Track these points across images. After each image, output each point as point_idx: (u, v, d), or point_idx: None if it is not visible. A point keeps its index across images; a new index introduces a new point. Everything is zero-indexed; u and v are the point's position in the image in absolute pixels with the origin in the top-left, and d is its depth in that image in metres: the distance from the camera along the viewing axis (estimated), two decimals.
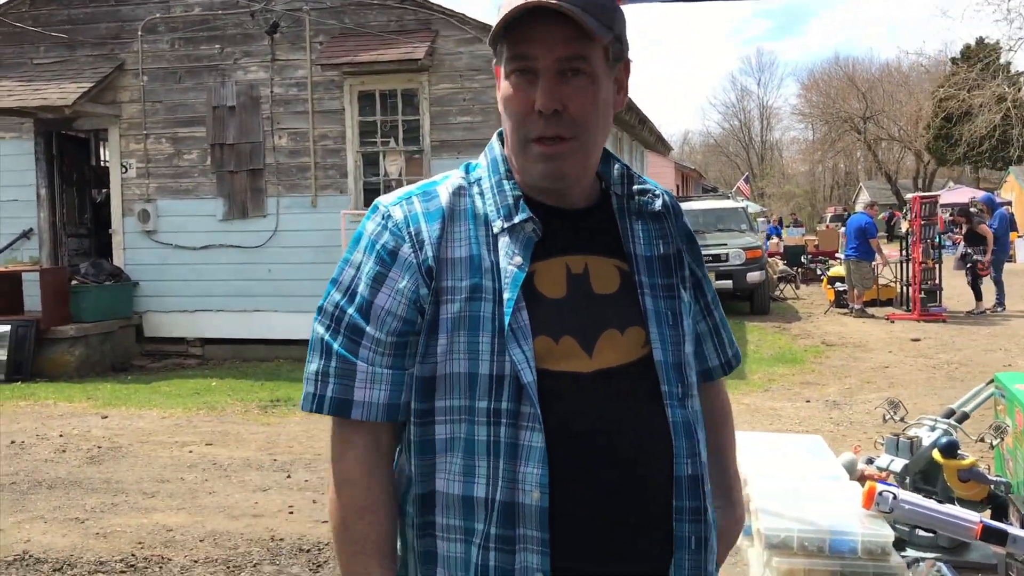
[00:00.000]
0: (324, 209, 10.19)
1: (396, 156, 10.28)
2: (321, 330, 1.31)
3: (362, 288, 1.29)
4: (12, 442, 6.68)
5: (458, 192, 1.33)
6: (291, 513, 4.96)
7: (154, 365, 10.35)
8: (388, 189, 10.37)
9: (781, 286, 17.07)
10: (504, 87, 1.29)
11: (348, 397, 1.28)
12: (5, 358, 9.44)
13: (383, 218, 1.31)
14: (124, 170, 10.71)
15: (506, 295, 1.24)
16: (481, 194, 1.33)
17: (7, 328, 9.56)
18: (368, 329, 1.28)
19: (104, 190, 11.55)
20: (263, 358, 10.29)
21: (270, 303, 10.34)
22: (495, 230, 1.29)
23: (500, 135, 1.38)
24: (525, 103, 1.26)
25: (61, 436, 6.86)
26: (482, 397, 1.23)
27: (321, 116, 10.26)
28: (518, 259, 1.26)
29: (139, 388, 8.86)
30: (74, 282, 10.06)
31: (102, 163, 12.22)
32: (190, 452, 6.34)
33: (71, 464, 6.07)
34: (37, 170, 10.78)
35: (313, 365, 1.31)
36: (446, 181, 1.35)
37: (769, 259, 16.45)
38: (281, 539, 4.55)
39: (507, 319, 1.23)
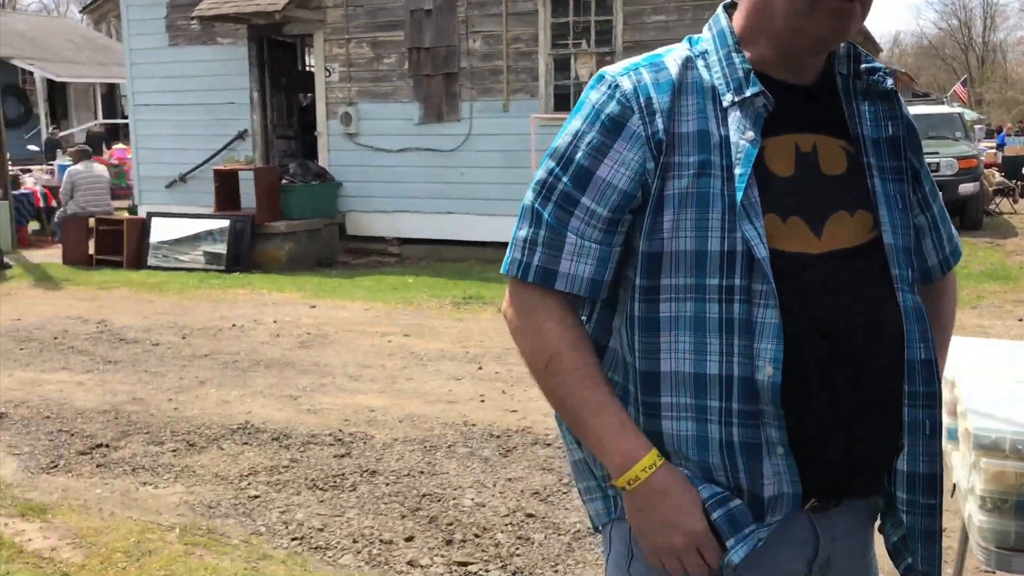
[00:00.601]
0: (515, 113, 10.27)
1: (587, 59, 10.16)
2: (532, 196, 1.30)
3: (580, 158, 1.26)
4: (233, 325, 7.32)
5: (686, 64, 1.29)
6: (482, 401, 5.20)
7: (356, 262, 10.94)
8: (578, 93, 10.32)
9: (997, 199, 15.77)
10: None
11: (554, 267, 1.27)
12: (225, 251, 10.26)
13: (609, 87, 1.28)
14: (328, 74, 11.17)
15: (738, 171, 1.22)
16: (708, 67, 1.29)
17: (226, 223, 10.35)
18: (583, 200, 1.26)
19: (309, 94, 12.11)
20: (456, 258, 10.65)
21: (463, 206, 10.62)
22: (724, 104, 1.26)
23: (726, 7, 1.34)
24: None
25: (275, 322, 7.44)
26: (713, 274, 1.22)
27: (514, 18, 10.25)
28: (750, 134, 1.23)
29: (342, 282, 9.43)
30: (284, 181, 10.71)
31: (307, 68, 12.80)
32: (389, 342, 6.73)
33: (284, 347, 6.59)
34: (250, 74, 11.43)
35: (522, 232, 1.30)
36: (672, 53, 1.31)
37: (985, 170, 15.20)
38: (473, 424, 4.79)
39: (739, 195, 1.21)
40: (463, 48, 10.47)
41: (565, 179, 1.28)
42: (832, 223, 1.26)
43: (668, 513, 1.25)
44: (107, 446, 4.54)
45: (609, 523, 1.40)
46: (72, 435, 4.71)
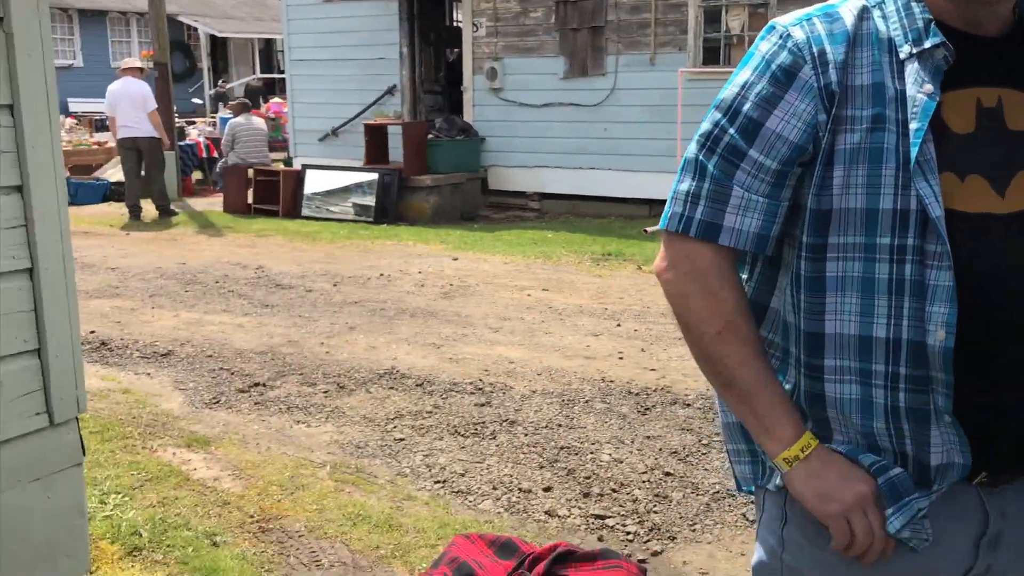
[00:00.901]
0: (661, 67, 10.06)
1: (739, 10, 9.82)
2: (696, 149, 1.27)
3: (748, 109, 1.23)
4: (381, 275, 7.57)
5: (862, 14, 1.23)
6: (620, 359, 5.20)
7: (496, 216, 11.07)
8: (728, 47, 10.00)
9: None
10: None
11: (718, 222, 1.24)
12: (374, 203, 10.58)
13: (781, 37, 1.23)
14: (475, 29, 11.24)
15: (913, 125, 1.16)
16: (884, 17, 1.23)
17: (375, 176, 10.65)
18: (751, 152, 1.23)
19: (456, 49, 12.24)
20: (595, 214, 10.61)
21: (604, 161, 10.55)
22: (902, 56, 1.20)
23: None
24: None
25: (419, 273, 7.65)
26: (884, 233, 1.18)
27: None
28: (928, 87, 1.17)
29: (483, 236, 9.56)
30: (430, 136, 10.91)
31: (455, 23, 12.91)
32: (528, 295, 6.81)
33: (428, 297, 6.77)
34: (400, 30, 11.64)
35: (683, 185, 1.27)
36: (847, 3, 1.26)
37: None
38: (611, 381, 4.81)
39: (914, 151, 1.15)
40: (610, 1, 10.31)
41: (732, 131, 1.24)
42: (1018, 181, 1.18)
43: (844, 468, 1.24)
44: (264, 385, 4.81)
45: (762, 489, 1.39)
46: (232, 373, 5.01)
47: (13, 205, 2.23)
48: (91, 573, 2.75)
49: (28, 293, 2.26)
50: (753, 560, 1.43)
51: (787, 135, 1.21)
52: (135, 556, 2.97)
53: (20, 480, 2.28)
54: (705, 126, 1.28)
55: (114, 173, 12.56)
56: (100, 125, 16.50)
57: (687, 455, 3.85)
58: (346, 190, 10.85)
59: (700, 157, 1.27)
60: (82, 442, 2.43)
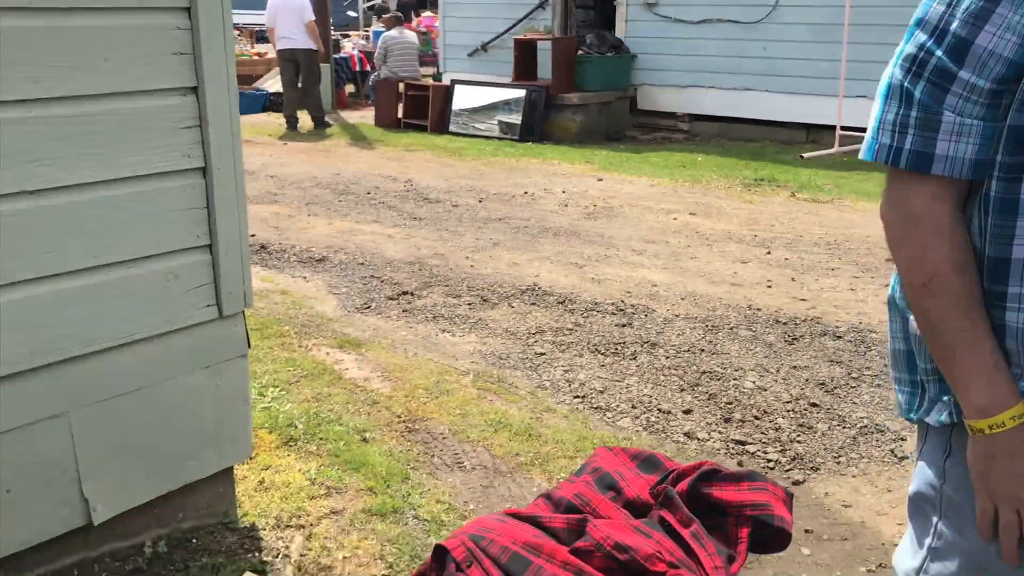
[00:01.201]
0: None
1: None
2: (900, 75, 1.19)
3: (956, 27, 1.14)
4: (525, 193, 7.59)
5: None
6: (769, 287, 5.06)
7: (644, 137, 10.85)
8: None
9: None
10: None
11: (929, 151, 1.16)
12: (519, 120, 10.55)
13: None
14: None
15: None
16: None
17: (522, 93, 10.60)
18: (961, 74, 1.14)
19: None
20: (748, 138, 10.25)
21: (760, 82, 10.12)
22: None
23: None
24: None
25: (563, 192, 7.62)
26: None
27: None
28: None
29: (630, 157, 9.41)
30: (579, 52, 10.72)
31: None
32: (674, 219, 6.68)
33: (571, 217, 6.75)
34: None
35: (889, 114, 1.19)
36: None
37: None
38: (758, 309, 4.69)
39: None
40: None
41: (939, 52, 1.15)
42: None
43: (1021, 467, 1.17)
44: (412, 294, 4.95)
45: (922, 422, 1.33)
46: (382, 281, 5.18)
47: (189, 105, 2.33)
48: (252, 458, 2.94)
49: (201, 191, 2.38)
50: (911, 489, 1.38)
51: (1001, 51, 1.12)
52: (291, 446, 3.15)
53: (193, 366, 2.44)
54: (908, 49, 1.19)
55: (273, 84, 13.00)
56: (260, 36, 17.02)
57: (835, 387, 3.74)
58: (492, 107, 10.86)
59: (905, 83, 1.18)
60: (247, 335, 2.56)
